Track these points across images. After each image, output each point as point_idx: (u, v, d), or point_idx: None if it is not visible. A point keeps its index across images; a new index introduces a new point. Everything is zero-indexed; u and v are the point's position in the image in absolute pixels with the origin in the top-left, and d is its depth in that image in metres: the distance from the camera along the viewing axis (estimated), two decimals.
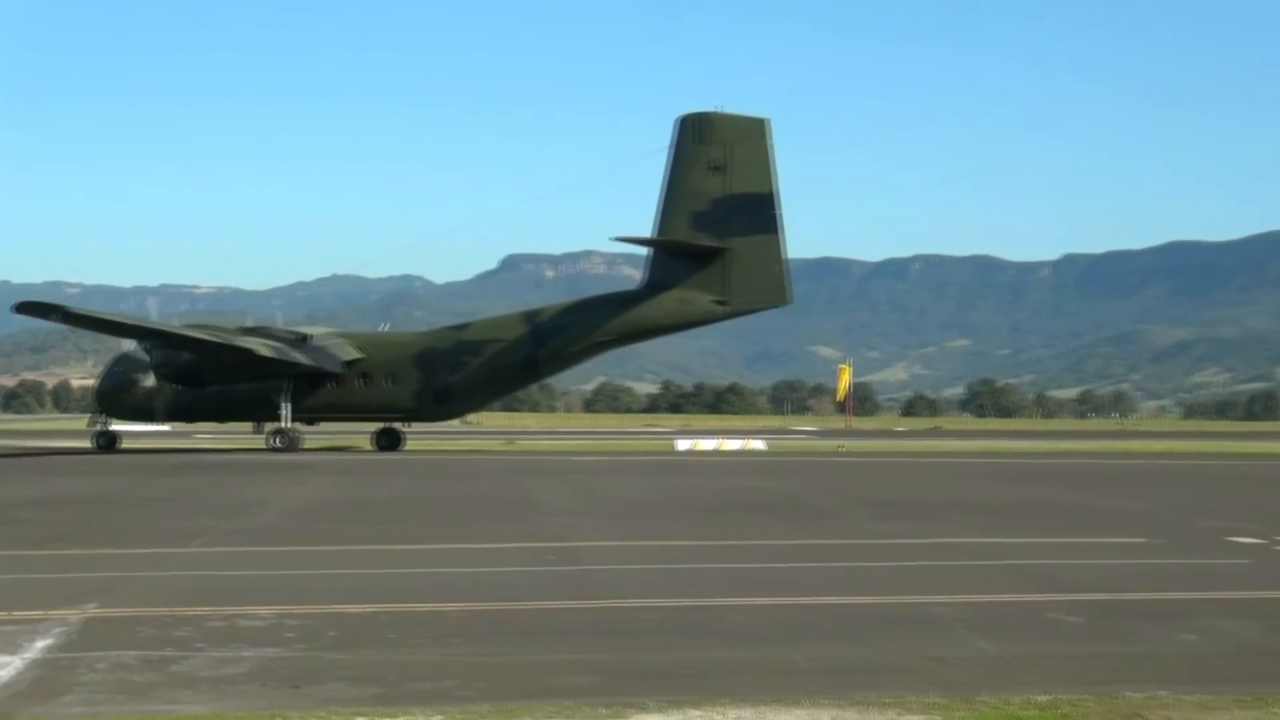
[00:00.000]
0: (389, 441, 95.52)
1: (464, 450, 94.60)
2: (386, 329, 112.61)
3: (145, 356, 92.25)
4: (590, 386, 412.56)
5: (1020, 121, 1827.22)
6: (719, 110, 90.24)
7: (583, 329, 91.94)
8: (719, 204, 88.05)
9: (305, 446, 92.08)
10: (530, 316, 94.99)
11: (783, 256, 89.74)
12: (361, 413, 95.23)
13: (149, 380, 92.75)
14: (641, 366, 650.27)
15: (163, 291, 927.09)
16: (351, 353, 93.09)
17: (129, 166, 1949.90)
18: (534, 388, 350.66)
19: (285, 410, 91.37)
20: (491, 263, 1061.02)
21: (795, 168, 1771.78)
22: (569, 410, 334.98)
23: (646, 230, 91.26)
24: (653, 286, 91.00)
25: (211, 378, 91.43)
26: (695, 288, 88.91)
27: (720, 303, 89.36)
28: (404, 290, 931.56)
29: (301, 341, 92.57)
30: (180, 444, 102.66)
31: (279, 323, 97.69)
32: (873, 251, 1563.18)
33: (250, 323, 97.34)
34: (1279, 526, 38.74)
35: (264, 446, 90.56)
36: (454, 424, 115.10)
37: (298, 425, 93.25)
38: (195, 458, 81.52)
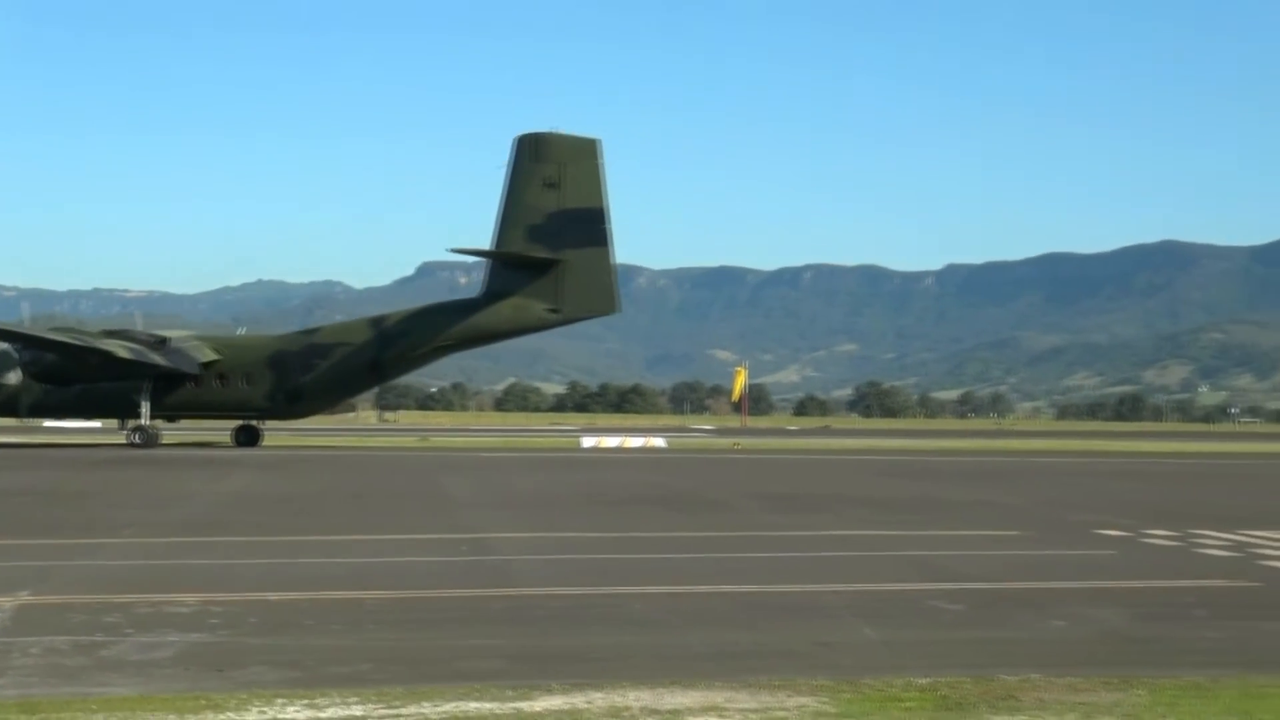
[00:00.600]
0: (248, 438, 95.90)
1: (324, 446, 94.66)
2: (243, 332, 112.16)
3: (16, 356, 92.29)
4: (501, 387, 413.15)
5: (908, 137, 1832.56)
6: (554, 131, 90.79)
7: (425, 334, 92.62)
8: (553, 218, 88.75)
9: (165, 443, 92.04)
10: (376, 322, 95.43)
11: (612, 267, 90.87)
12: (219, 411, 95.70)
13: (17, 378, 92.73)
14: (549, 368, 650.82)
15: (95, 295, 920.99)
16: (209, 355, 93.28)
17: (65, 173, 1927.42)
18: (447, 387, 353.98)
19: (145, 408, 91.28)
20: (409, 269, 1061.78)
21: (693, 182, 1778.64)
22: (481, 409, 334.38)
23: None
24: (491, 295, 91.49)
25: (75, 377, 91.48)
26: (530, 296, 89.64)
27: (553, 310, 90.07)
28: (325, 295, 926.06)
29: (160, 344, 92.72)
30: (46, 439, 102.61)
31: (138, 325, 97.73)
32: (767, 261, 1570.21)
33: (120, 325, 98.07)
34: (1144, 520, 39.12)
35: (124, 442, 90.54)
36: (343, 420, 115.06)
37: (157, 423, 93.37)
38: (118, 453, 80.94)
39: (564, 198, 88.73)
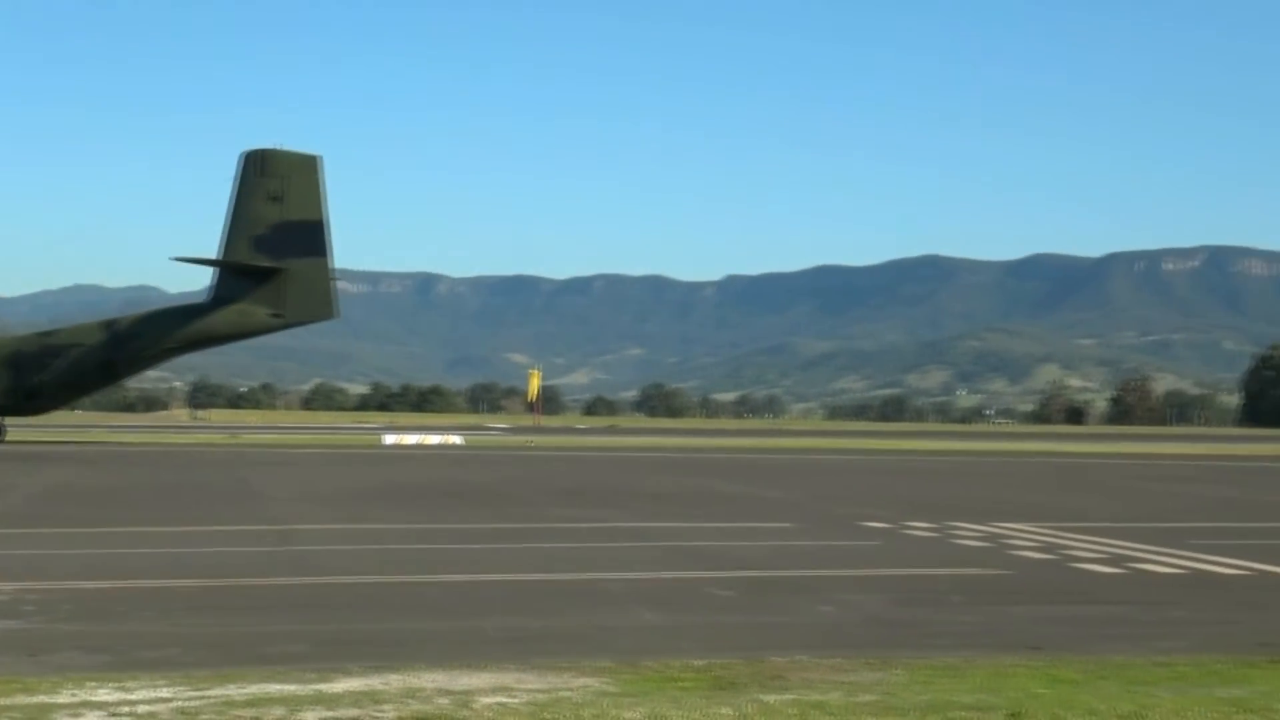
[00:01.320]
0: None
1: (73, 441, 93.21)
2: None
3: None
4: (308, 387, 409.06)
5: (690, 155, 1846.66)
6: (278, 147, 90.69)
7: (155, 337, 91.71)
8: (276, 229, 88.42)
9: None
10: (109, 325, 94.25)
11: (330, 275, 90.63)
12: None
13: None
14: (354, 370, 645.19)
15: None
16: None
17: None
18: (257, 387, 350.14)
19: None
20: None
21: (494, 194, 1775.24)
22: (289, 408, 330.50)
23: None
24: (217, 301, 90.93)
25: None
26: (255, 302, 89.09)
27: (276, 315, 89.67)
28: (141, 298, 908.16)
29: None
30: None
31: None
32: (560, 270, 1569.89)
33: None
34: (905, 513, 39.69)
35: None
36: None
37: None
38: None
39: (286, 210, 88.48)
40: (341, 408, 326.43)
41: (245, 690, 14.11)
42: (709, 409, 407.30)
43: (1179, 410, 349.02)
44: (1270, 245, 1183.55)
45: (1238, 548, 30.33)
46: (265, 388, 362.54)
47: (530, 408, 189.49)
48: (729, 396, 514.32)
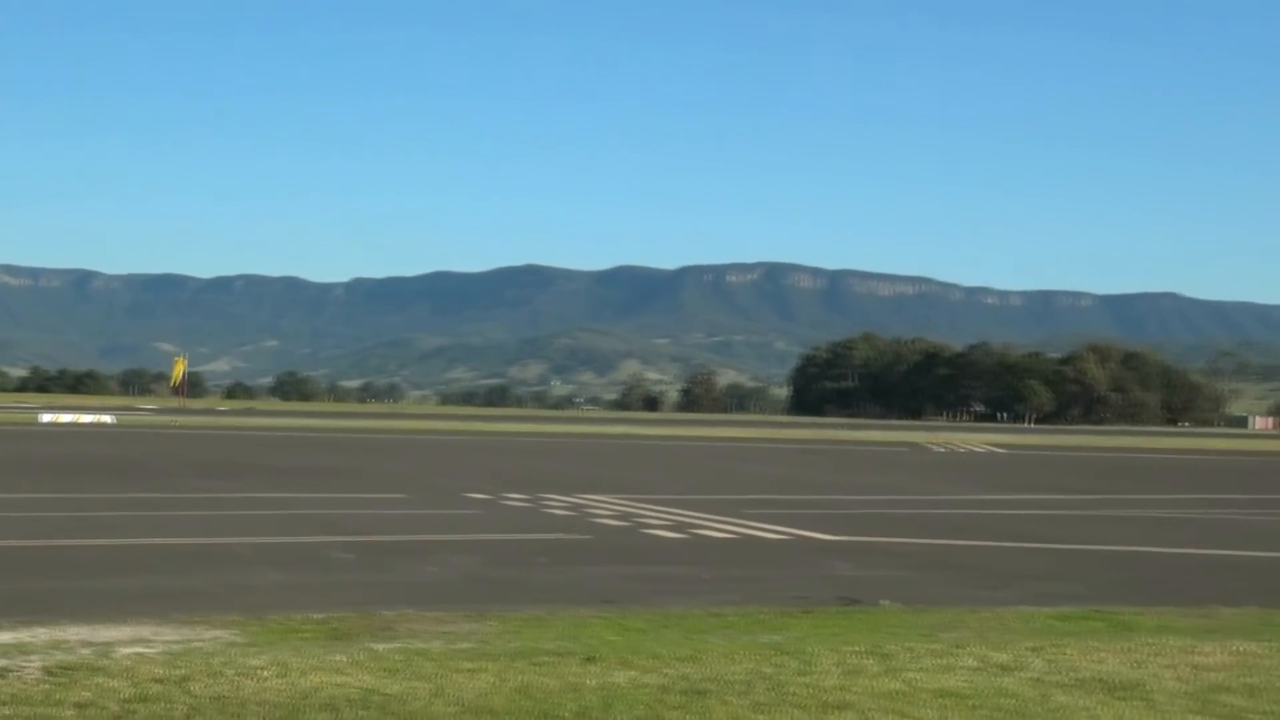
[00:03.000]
0: None
1: None
2: None
3: None
4: None
5: (322, 165, 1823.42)
6: None
7: None
8: None
9: None
10: None
11: None
12: None
13: None
14: (15, 355, 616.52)
15: None
16: None
17: None
18: None
19: None
20: None
21: (141, 197, 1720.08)
22: None
23: None
24: None
25: None
26: None
27: None
28: None
29: None
30: None
31: None
32: (206, 270, 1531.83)
33: None
34: (503, 486, 39.89)
35: None
36: None
37: None
38: None
39: None
40: (2, 389, 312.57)
41: None
42: (337, 394, 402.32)
43: (738, 400, 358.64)
44: (816, 263, 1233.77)
45: (782, 516, 31.28)
46: None
47: (175, 391, 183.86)
48: (354, 384, 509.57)
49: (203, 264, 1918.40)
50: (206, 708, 10.53)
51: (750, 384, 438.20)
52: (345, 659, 12.66)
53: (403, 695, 11.10)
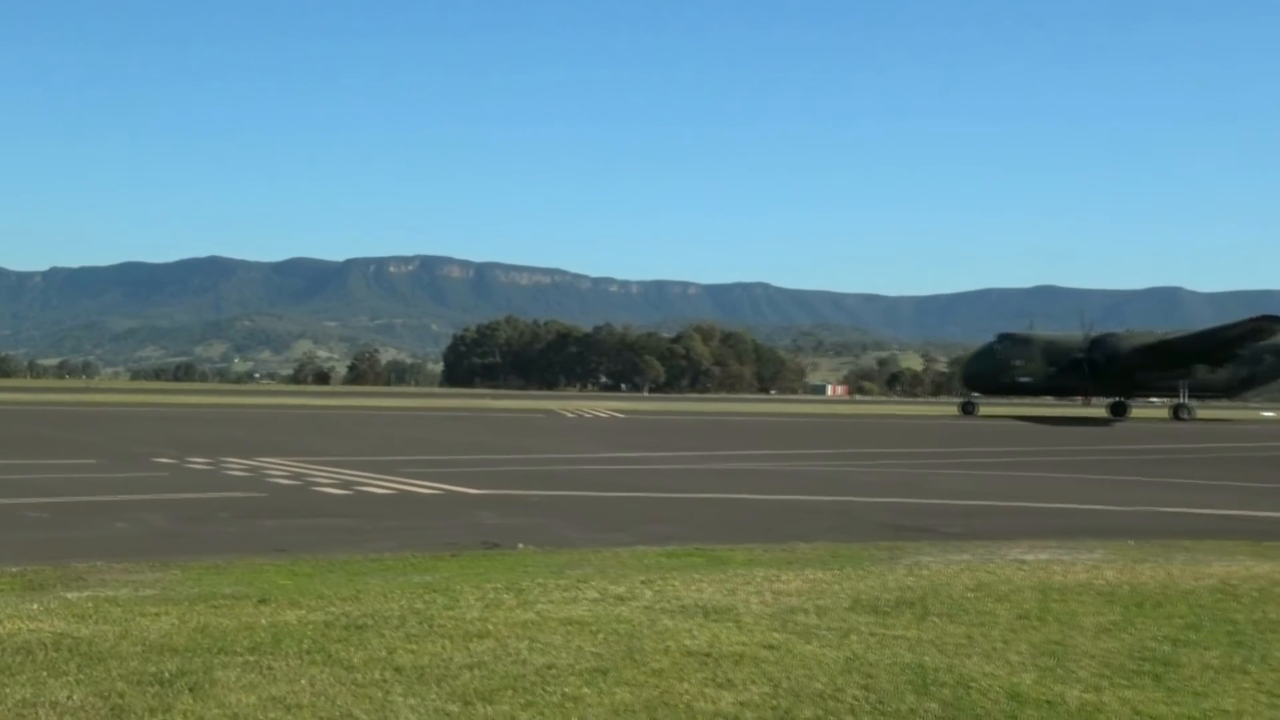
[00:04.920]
0: None
1: None
2: None
3: None
4: None
5: (24, 153, 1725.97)
6: None
7: None
8: None
9: None
10: None
11: None
12: None
13: None
14: None
15: None
16: None
17: None
18: None
19: None
20: None
21: None
22: None
23: None
24: None
25: None
26: None
27: None
28: None
29: None
30: None
31: None
32: None
33: None
34: (188, 451, 38.64)
35: None
36: None
37: None
38: None
39: None
40: None
41: None
42: (35, 371, 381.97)
43: (398, 374, 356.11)
44: (465, 256, 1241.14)
45: (435, 474, 31.19)
46: None
47: None
48: (52, 362, 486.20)
49: None
50: None
51: (409, 360, 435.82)
52: (39, 607, 12.12)
53: (92, 638, 10.69)
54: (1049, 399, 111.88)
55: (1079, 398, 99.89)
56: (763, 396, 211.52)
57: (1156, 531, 21.47)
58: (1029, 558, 17.03)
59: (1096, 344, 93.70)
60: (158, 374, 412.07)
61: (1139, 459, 46.14)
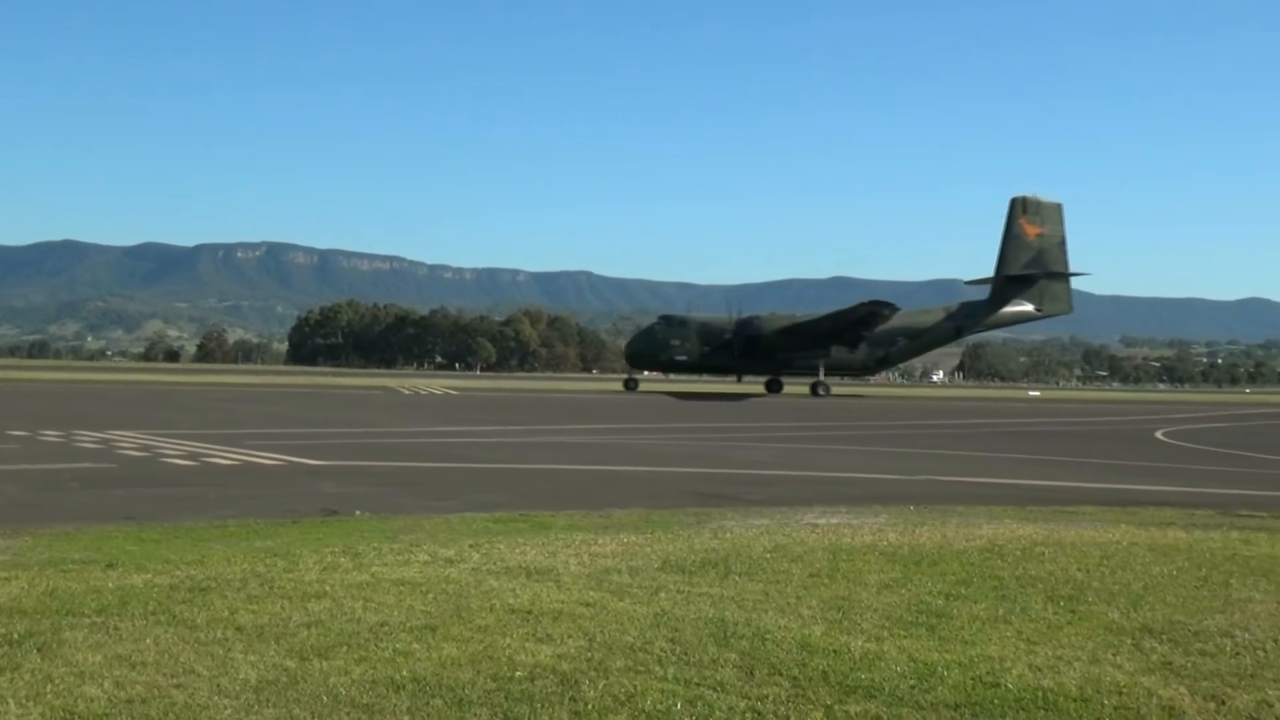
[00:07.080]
0: None
1: None
2: None
3: None
4: None
5: None
6: None
7: None
8: None
9: None
10: None
11: None
12: None
13: None
14: None
15: None
16: None
17: None
18: None
19: None
20: None
21: None
22: None
23: None
24: None
25: None
26: None
27: None
28: None
29: None
30: None
31: None
32: None
33: None
34: (41, 425, 37.22)
35: None
36: None
37: None
38: None
39: None
40: None
41: None
42: None
43: (245, 353, 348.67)
44: (310, 243, 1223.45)
45: (279, 446, 30.53)
46: None
47: None
48: None
49: None
50: None
51: (256, 340, 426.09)
52: None
53: None
54: (707, 376, 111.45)
55: (733, 376, 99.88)
56: (585, 375, 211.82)
57: (935, 498, 22.11)
58: (821, 521, 17.39)
59: (742, 325, 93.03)
60: (12, 351, 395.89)
61: (892, 434, 47.38)
